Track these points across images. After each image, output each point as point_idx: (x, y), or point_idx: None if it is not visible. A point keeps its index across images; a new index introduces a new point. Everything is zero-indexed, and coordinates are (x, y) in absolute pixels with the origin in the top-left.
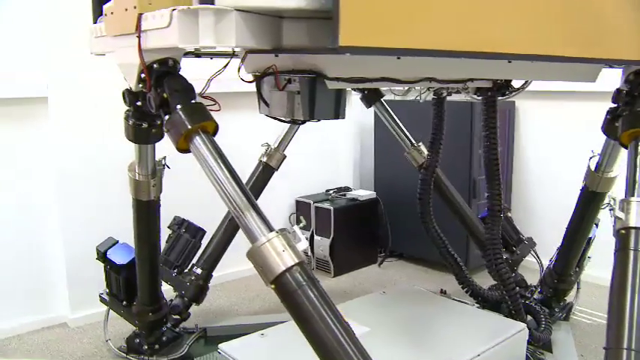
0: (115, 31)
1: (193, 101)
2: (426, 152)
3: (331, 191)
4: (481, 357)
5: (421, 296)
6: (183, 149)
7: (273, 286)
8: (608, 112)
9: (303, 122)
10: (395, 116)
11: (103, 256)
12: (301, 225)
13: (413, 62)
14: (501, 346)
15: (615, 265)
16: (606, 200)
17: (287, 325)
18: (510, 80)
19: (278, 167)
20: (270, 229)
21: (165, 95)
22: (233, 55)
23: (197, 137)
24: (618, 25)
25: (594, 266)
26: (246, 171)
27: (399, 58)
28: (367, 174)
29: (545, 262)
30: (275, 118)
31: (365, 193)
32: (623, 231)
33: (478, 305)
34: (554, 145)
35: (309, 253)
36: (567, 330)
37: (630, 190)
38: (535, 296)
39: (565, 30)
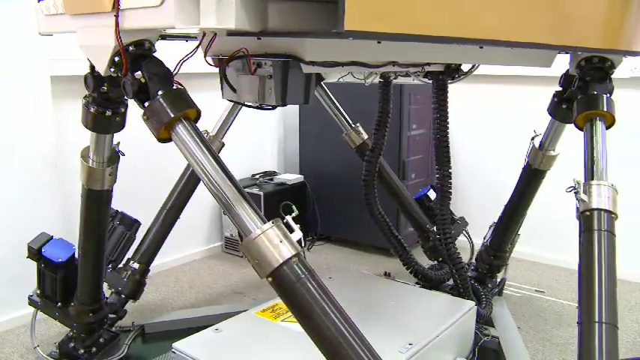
0: (81, 9)
1: (174, 87)
2: (364, 134)
3: (257, 176)
4: (440, 337)
5: (370, 281)
6: (164, 139)
7: (270, 279)
8: (554, 95)
9: (274, 108)
10: (333, 98)
11: (37, 253)
12: (294, 214)
13: (388, 47)
14: (455, 326)
15: (582, 245)
16: (571, 184)
17: (240, 318)
18: (460, 64)
19: None
20: (264, 220)
21: (143, 80)
22: (204, 36)
23: (180, 126)
24: (584, 14)
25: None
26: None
27: (379, 42)
28: (292, 157)
29: (477, 242)
30: (241, 104)
31: (292, 177)
32: (587, 212)
33: (419, 285)
34: (480, 127)
35: None
36: (502, 304)
37: (589, 174)
38: (469, 274)
39: (542, 18)
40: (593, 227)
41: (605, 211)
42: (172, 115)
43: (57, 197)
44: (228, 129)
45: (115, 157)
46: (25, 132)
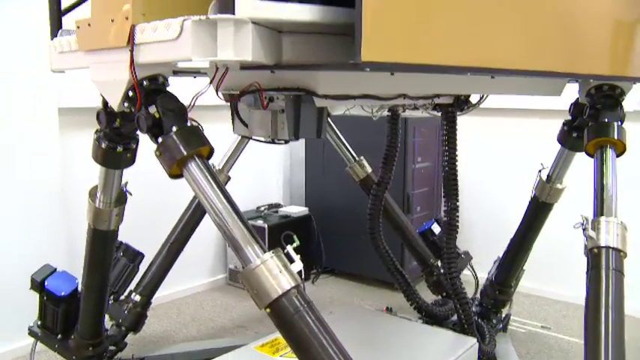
0: (95, 44)
1: (188, 123)
2: (368, 167)
3: (262, 208)
4: None
5: (371, 316)
6: (176, 175)
7: (268, 310)
8: (564, 124)
9: (286, 142)
10: (337, 131)
11: (39, 285)
12: (294, 245)
13: (400, 79)
14: None
15: (589, 283)
16: (579, 220)
17: (239, 352)
18: (469, 96)
19: None
20: (264, 249)
21: (157, 115)
22: (216, 71)
23: (192, 163)
24: (594, 42)
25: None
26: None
27: (392, 74)
28: (298, 189)
29: (481, 276)
30: (253, 139)
31: (297, 210)
32: (595, 250)
33: (423, 321)
34: (485, 159)
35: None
36: (507, 341)
37: (598, 209)
38: (473, 309)
39: (554, 46)
40: (601, 265)
41: (614, 249)
42: (185, 153)
43: (62, 229)
44: (235, 162)
45: (122, 197)
46: (31, 163)
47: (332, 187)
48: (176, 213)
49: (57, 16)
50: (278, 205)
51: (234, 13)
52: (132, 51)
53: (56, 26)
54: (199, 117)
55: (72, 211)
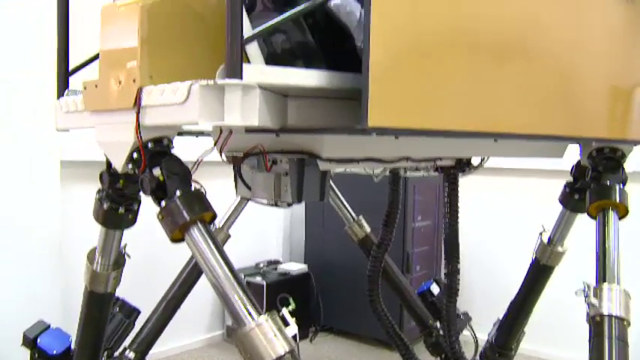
0: (101, 105)
1: (192, 188)
2: (367, 227)
3: (261, 264)
4: None
5: None
6: (177, 239)
7: None
8: (566, 185)
9: (289, 205)
10: (336, 189)
11: (32, 342)
12: (290, 308)
13: (404, 142)
14: None
15: (592, 352)
16: (580, 287)
17: None
18: (471, 157)
19: None
20: (259, 312)
21: (161, 178)
22: (220, 133)
23: (194, 228)
24: (594, 106)
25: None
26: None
27: (396, 137)
28: (297, 246)
29: (481, 337)
30: (256, 202)
31: (296, 267)
32: (597, 318)
33: None
34: (486, 219)
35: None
36: None
37: (600, 275)
38: None
39: (556, 110)
40: (604, 334)
41: (617, 317)
42: (188, 219)
43: (58, 283)
44: (235, 220)
45: (121, 260)
46: (31, 215)
47: (332, 244)
48: (174, 270)
49: (64, 76)
50: (277, 262)
51: (241, 78)
52: (138, 113)
53: (63, 86)
54: (200, 173)
55: (69, 265)
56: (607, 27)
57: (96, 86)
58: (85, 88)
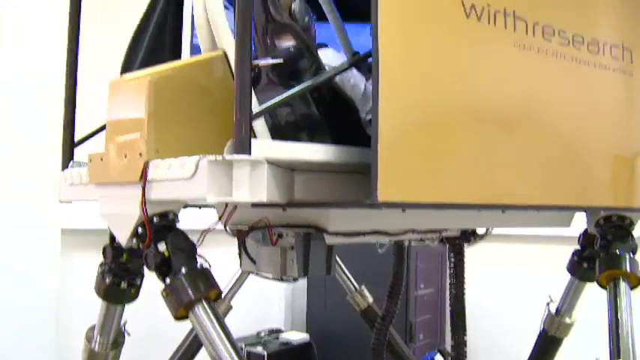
0: (107, 178)
1: (198, 265)
2: (369, 297)
3: (262, 333)
4: None
5: None
6: (181, 317)
7: None
8: (574, 254)
9: (295, 280)
10: (338, 259)
11: None
12: None
13: (412, 215)
14: None
15: None
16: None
17: None
18: (475, 229)
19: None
20: None
21: (166, 254)
22: (226, 207)
23: (199, 307)
24: (602, 174)
25: None
26: None
27: (404, 210)
28: (299, 314)
29: None
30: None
31: (298, 336)
32: None
33: None
34: (492, 288)
35: None
36: None
37: (614, 350)
38: None
39: (563, 180)
40: None
41: None
42: (193, 297)
43: (54, 353)
44: (237, 291)
45: (120, 339)
46: (29, 282)
47: (334, 313)
48: (174, 343)
49: (69, 147)
50: (279, 331)
51: (250, 154)
52: (144, 187)
53: (68, 157)
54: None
55: (65, 335)
56: (609, 97)
57: (101, 159)
58: (90, 160)
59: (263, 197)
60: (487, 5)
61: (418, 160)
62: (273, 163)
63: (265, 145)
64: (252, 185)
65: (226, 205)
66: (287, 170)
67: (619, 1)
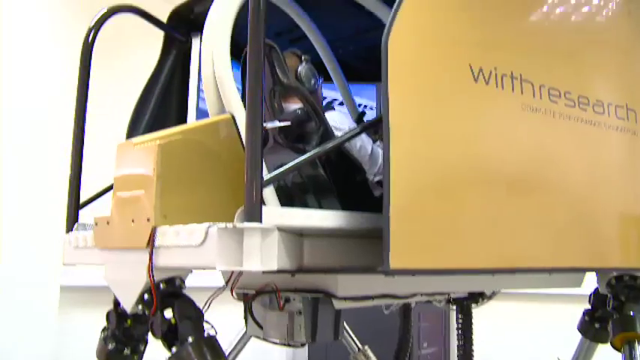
0: (113, 243)
1: (205, 334)
2: (373, 357)
3: None
4: None
5: None
6: None
7: None
8: (585, 314)
9: (302, 345)
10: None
11: None
12: None
13: (421, 279)
14: None
15: None
16: None
17: None
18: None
19: None
20: None
21: (173, 321)
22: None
23: None
24: (614, 236)
25: None
26: None
27: (413, 274)
28: None
29: None
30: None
31: None
32: None
33: None
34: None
35: None
36: None
37: None
38: None
39: (574, 243)
40: None
41: None
42: None
43: None
44: (240, 351)
45: None
46: (26, 338)
47: None
48: None
49: (74, 210)
50: None
51: (261, 222)
52: (151, 254)
53: (73, 220)
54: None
55: None
56: (617, 157)
57: (107, 223)
58: (96, 224)
59: (274, 266)
60: (494, 69)
61: (430, 225)
62: (283, 230)
63: (276, 213)
64: (263, 254)
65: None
66: (296, 236)
67: (621, 63)
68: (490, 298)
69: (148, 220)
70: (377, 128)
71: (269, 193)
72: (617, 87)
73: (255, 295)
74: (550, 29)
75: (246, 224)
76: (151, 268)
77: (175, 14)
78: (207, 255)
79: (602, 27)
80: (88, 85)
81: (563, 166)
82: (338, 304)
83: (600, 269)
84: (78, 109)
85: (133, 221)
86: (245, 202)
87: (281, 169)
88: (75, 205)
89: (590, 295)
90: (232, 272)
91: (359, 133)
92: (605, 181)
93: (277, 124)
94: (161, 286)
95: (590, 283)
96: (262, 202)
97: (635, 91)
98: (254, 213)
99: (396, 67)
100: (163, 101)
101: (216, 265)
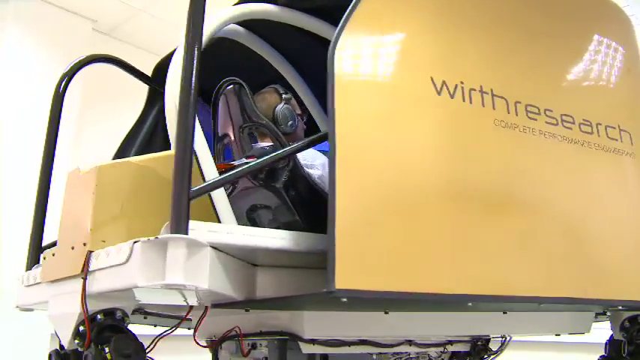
0: (54, 274)
1: None
2: None
3: None
4: None
5: None
6: None
7: None
8: None
9: None
10: None
11: None
12: None
13: (398, 319)
14: None
15: None
16: None
17: None
18: (488, 341)
19: None
20: None
21: (109, 357)
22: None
23: None
24: (613, 264)
25: None
26: None
27: (386, 312)
28: None
29: None
30: None
31: None
32: None
33: None
34: None
35: None
36: None
37: None
38: None
39: (570, 270)
40: None
41: None
42: None
43: None
44: None
45: None
46: None
47: None
48: None
49: (35, 250)
50: None
51: (186, 233)
52: (85, 279)
53: (33, 261)
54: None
55: None
56: (614, 181)
57: (53, 255)
58: (44, 258)
59: (204, 283)
60: (460, 83)
61: (383, 244)
62: (224, 251)
63: (208, 228)
64: (187, 267)
65: (190, 308)
66: (247, 264)
67: (609, 81)
68: (496, 353)
69: (85, 244)
70: None
71: (228, 216)
72: (607, 106)
73: (220, 341)
74: (525, 46)
75: (170, 235)
76: (84, 295)
77: (159, 67)
78: (131, 272)
79: (585, 45)
80: (57, 132)
81: (549, 186)
82: (306, 349)
83: (603, 302)
84: (45, 155)
85: (72, 248)
86: (171, 213)
87: (209, 182)
88: (37, 246)
89: (606, 342)
90: (189, 310)
91: (305, 147)
92: (600, 204)
93: (243, 160)
94: (98, 317)
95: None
96: (188, 215)
97: (627, 110)
98: (179, 225)
99: (344, 76)
100: (145, 151)
101: (139, 281)
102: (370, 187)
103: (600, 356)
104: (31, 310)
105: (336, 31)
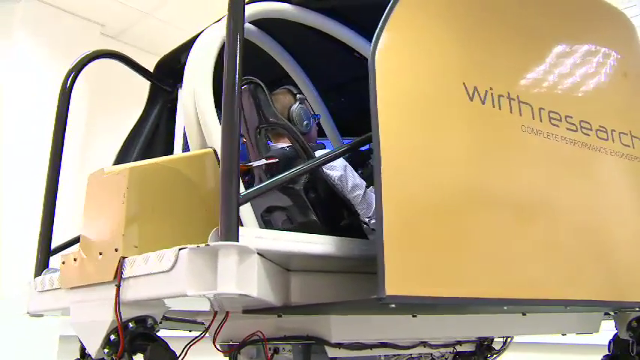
0: (78, 281)
1: None
2: None
3: None
4: None
5: None
6: None
7: None
8: None
9: None
10: None
11: None
12: None
13: (422, 322)
14: None
15: None
16: None
17: None
18: (492, 341)
19: None
20: None
21: None
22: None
23: None
24: (631, 268)
25: None
26: None
27: (414, 316)
28: None
29: None
30: None
31: None
32: None
33: None
34: None
35: None
36: None
37: None
38: None
39: (591, 273)
40: None
41: None
42: None
43: None
44: None
45: None
46: None
47: None
48: None
49: (45, 255)
50: None
51: (237, 241)
52: (118, 286)
53: (42, 266)
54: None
55: None
56: (629, 187)
57: (75, 260)
58: (63, 262)
59: (253, 291)
60: (490, 89)
61: (429, 250)
62: (265, 257)
63: (255, 234)
64: (240, 276)
65: (215, 314)
66: (282, 269)
67: (623, 89)
68: (500, 353)
69: (116, 250)
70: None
71: (250, 219)
72: (620, 113)
73: (240, 346)
74: (545, 53)
75: (222, 243)
76: (117, 302)
77: (161, 64)
78: (177, 280)
79: (603, 55)
80: (64, 129)
81: (570, 191)
82: (332, 352)
83: (621, 304)
84: (53, 154)
85: (100, 254)
86: (220, 219)
87: (260, 185)
88: (45, 250)
89: (610, 342)
90: (214, 316)
91: (343, 154)
92: (617, 209)
93: (263, 161)
94: (130, 325)
95: (607, 333)
96: (239, 220)
97: (638, 117)
98: (230, 231)
99: (385, 84)
100: (147, 150)
101: (187, 290)
102: (412, 194)
103: (604, 355)
104: (41, 315)
105: (376, 33)
